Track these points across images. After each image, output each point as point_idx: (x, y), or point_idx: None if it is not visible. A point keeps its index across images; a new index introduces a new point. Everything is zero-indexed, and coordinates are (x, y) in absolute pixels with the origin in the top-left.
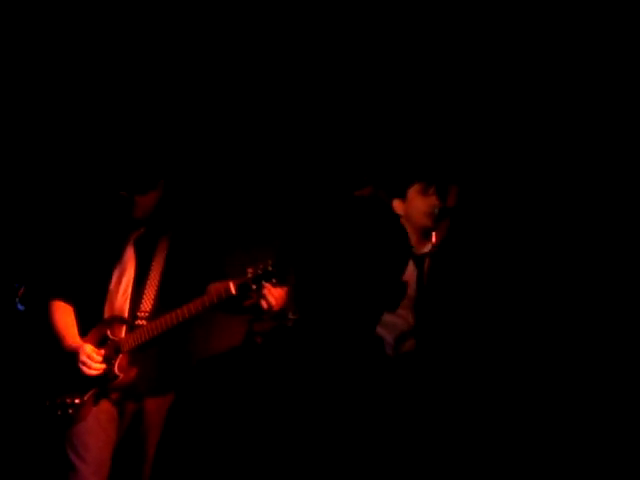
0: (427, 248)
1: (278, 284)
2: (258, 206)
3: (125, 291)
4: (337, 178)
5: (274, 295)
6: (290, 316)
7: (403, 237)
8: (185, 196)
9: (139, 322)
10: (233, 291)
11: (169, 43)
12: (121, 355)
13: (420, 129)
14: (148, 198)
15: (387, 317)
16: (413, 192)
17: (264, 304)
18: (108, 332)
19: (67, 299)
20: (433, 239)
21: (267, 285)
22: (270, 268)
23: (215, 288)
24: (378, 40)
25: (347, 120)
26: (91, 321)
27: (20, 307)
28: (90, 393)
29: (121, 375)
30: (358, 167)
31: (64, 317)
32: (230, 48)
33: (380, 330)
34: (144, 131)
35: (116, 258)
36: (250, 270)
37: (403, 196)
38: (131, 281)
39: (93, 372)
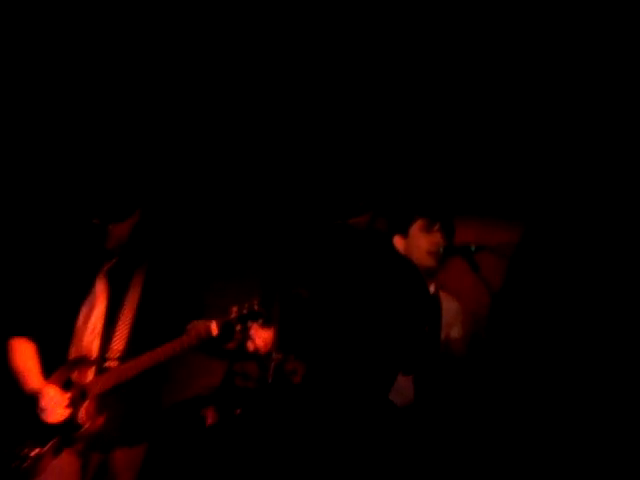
0: (430, 290)
1: (265, 324)
2: (242, 236)
3: (94, 329)
4: (330, 202)
5: (262, 337)
6: (274, 356)
7: (419, 278)
8: (163, 225)
9: (109, 364)
10: (215, 332)
11: (143, 69)
12: (87, 400)
13: (426, 159)
14: (123, 227)
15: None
16: (416, 229)
17: (250, 346)
18: (74, 374)
19: (29, 337)
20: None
21: (254, 325)
22: (256, 307)
23: (195, 328)
24: (386, 62)
25: (344, 139)
26: (56, 362)
27: None
28: (51, 443)
29: (87, 423)
30: (355, 191)
31: (26, 357)
32: (210, 77)
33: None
34: (119, 154)
35: (85, 292)
36: (234, 309)
37: (404, 232)
38: (101, 317)
39: (54, 419)
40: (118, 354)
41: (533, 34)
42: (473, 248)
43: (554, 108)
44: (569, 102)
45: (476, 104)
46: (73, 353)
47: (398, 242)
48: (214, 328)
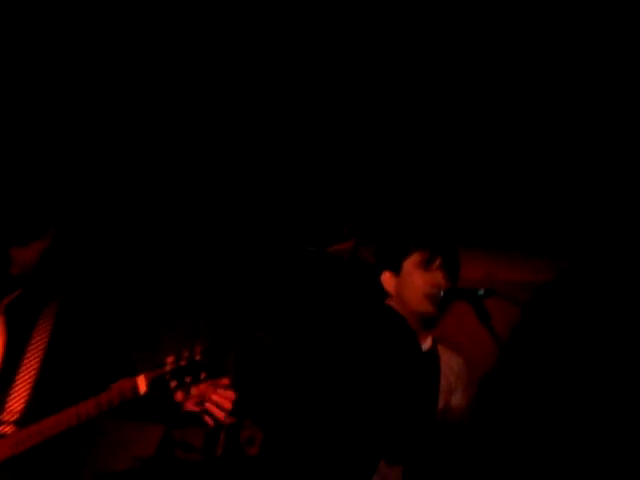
0: (426, 344)
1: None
2: (189, 263)
3: None
4: (306, 225)
5: (214, 400)
6: (225, 421)
7: (409, 333)
8: (82, 249)
9: (3, 429)
10: (143, 389)
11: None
12: None
13: (426, 177)
14: (29, 251)
15: None
16: (411, 264)
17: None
18: None
19: None
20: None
21: (215, 394)
22: (198, 357)
23: (119, 384)
24: (378, 70)
25: (323, 146)
26: None
27: None
28: None
29: None
30: (337, 212)
31: None
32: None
33: None
34: (29, 163)
35: None
36: (170, 359)
37: (396, 267)
38: None
39: None
40: (16, 416)
41: (551, 53)
42: (481, 292)
43: (575, 114)
44: (594, 114)
45: (487, 113)
46: None
47: (387, 280)
48: (142, 384)
